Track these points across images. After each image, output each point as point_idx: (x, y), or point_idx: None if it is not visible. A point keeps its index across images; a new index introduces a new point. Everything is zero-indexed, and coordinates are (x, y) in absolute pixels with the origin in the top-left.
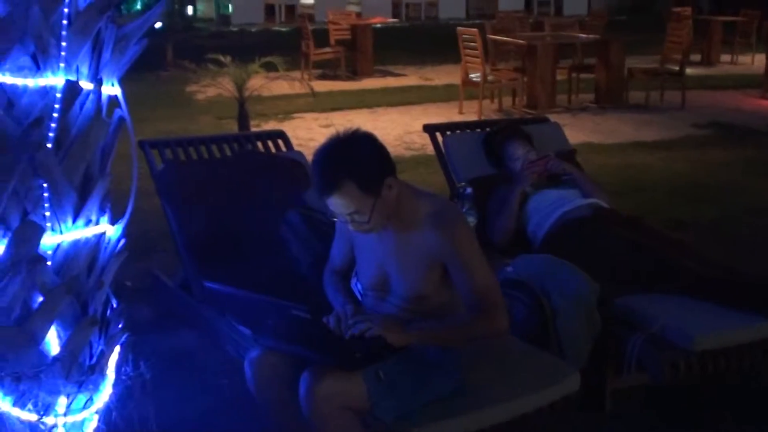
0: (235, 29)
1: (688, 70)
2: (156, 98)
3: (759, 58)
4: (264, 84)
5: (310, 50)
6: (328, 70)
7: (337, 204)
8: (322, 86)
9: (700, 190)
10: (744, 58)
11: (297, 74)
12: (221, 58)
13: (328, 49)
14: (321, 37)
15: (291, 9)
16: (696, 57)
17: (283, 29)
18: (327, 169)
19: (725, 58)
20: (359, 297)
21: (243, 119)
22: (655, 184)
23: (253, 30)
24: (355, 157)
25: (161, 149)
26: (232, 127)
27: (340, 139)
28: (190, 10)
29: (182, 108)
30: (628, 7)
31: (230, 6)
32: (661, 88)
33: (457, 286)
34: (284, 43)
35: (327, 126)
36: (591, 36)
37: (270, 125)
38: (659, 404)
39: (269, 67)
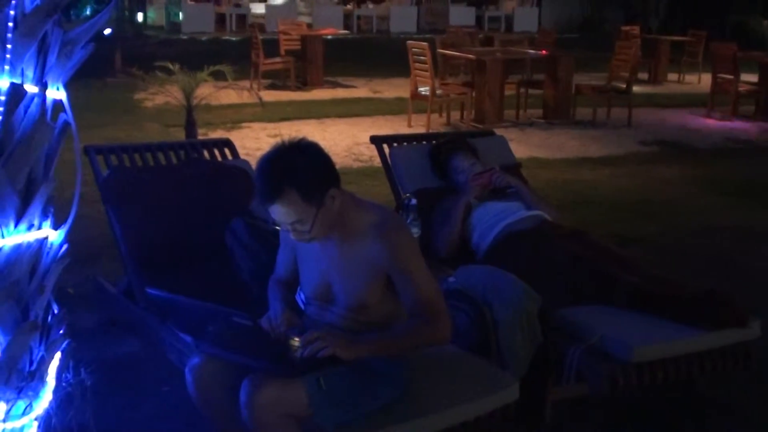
0: (185, 37)
1: (636, 88)
2: (102, 105)
3: (705, 78)
4: (212, 93)
5: (259, 60)
6: (277, 80)
7: (279, 212)
8: (271, 96)
9: (644, 206)
10: (691, 77)
11: (246, 83)
12: (170, 65)
13: (278, 59)
14: (271, 47)
15: (242, 18)
16: (644, 75)
17: (234, 38)
18: (270, 176)
19: (672, 76)
20: (302, 307)
21: (190, 127)
22: (600, 199)
23: (204, 38)
24: (299, 166)
25: (106, 155)
26: (179, 135)
27: (284, 147)
28: (140, 17)
29: (129, 115)
30: (578, 25)
31: (180, 14)
32: (608, 105)
33: (401, 296)
34: (234, 53)
35: (275, 136)
36: (540, 52)
37: (218, 134)
38: (598, 416)
39: (218, 76)
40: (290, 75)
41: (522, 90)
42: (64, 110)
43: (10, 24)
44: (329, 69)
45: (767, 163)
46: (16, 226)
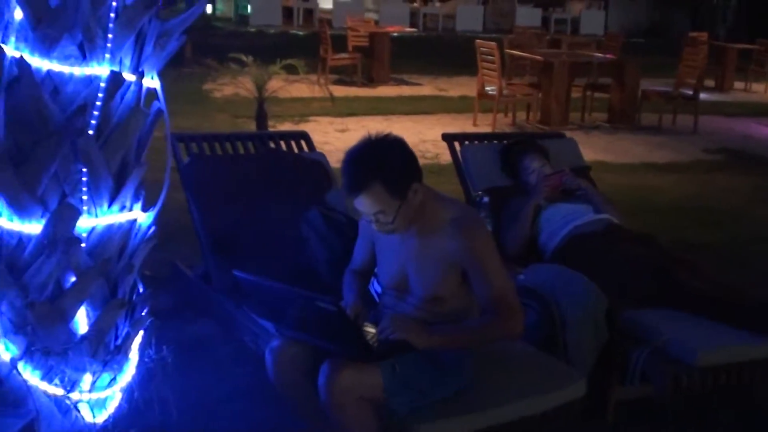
0: (252, 30)
1: (703, 96)
2: (173, 94)
3: None
4: (283, 86)
5: (328, 55)
6: (344, 75)
7: (364, 203)
8: (338, 91)
9: (708, 213)
10: (757, 86)
11: (314, 78)
12: (243, 57)
13: (345, 55)
14: (339, 43)
15: (309, 13)
16: (710, 83)
17: (301, 33)
18: (357, 169)
19: (739, 85)
20: (376, 298)
21: (261, 119)
22: (663, 205)
23: (271, 31)
24: (386, 160)
25: (188, 143)
26: (248, 126)
27: (372, 141)
28: (209, 8)
29: (199, 105)
30: (645, 29)
31: (249, 6)
32: (673, 112)
33: (476, 290)
34: (301, 47)
35: (342, 131)
36: (607, 56)
37: (286, 126)
38: (660, 418)
39: (289, 69)
40: (357, 71)
41: (588, 93)
42: (158, 98)
43: (112, 15)
44: (395, 66)
45: None
46: (109, 206)
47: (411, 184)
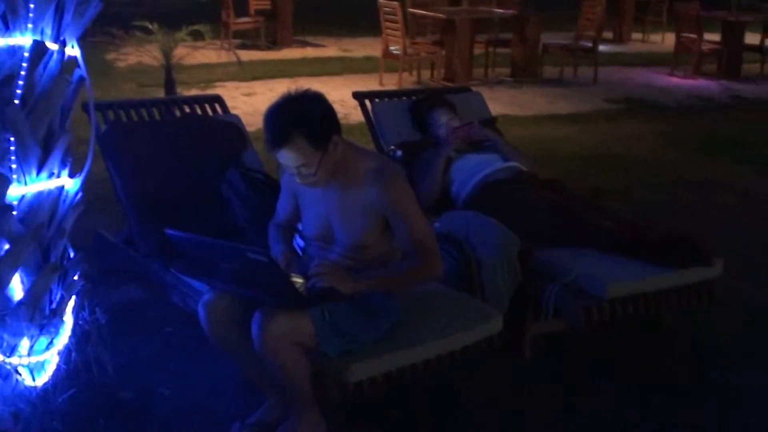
0: None
1: (601, 47)
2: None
3: (669, 37)
4: (189, 53)
5: (230, 19)
6: (247, 39)
7: (286, 157)
8: (242, 56)
9: (613, 160)
10: (655, 37)
11: (218, 43)
12: (149, 25)
13: (247, 19)
14: (240, 7)
15: None
16: (609, 35)
17: None
18: (278, 123)
19: (637, 36)
20: (299, 252)
21: (170, 86)
22: (569, 154)
23: None
24: (306, 113)
25: (104, 111)
26: (155, 94)
27: (291, 97)
28: None
29: (103, 76)
30: None
31: None
32: (574, 64)
33: (397, 236)
34: (203, 13)
35: (249, 95)
36: (508, 11)
37: (193, 93)
38: (574, 351)
39: (195, 36)
40: (260, 34)
41: (490, 49)
42: (79, 66)
43: None
44: (299, 28)
45: (728, 120)
46: (38, 174)
47: (331, 136)
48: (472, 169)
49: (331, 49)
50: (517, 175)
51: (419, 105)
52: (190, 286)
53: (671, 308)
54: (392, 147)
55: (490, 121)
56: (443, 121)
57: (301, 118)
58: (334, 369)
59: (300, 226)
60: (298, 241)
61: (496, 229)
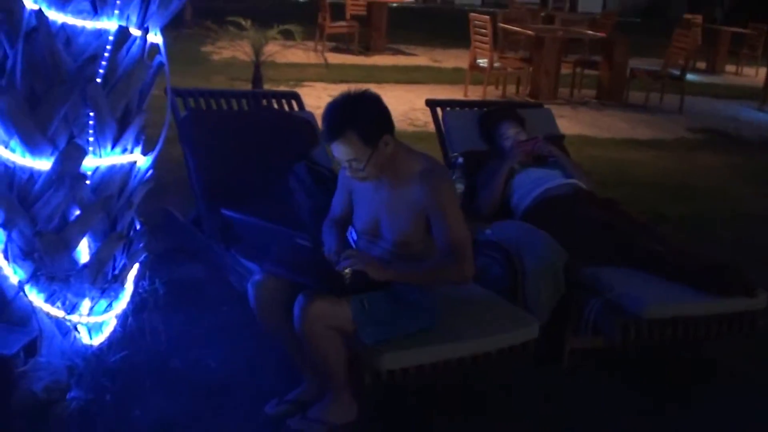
0: None
1: (693, 77)
2: (172, 55)
3: (763, 71)
4: (279, 51)
5: (325, 22)
6: (341, 43)
7: (339, 150)
8: (334, 58)
9: (684, 189)
10: (749, 70)
11: (311, 45)
12: (242, 21)
13: (343, 23)
14: (337, 11)
15: None
16: (702, 65)
17: None
18: (334, 118)
19: (730, 68)
20: (353, 244)
21: (257, 82)
22: (641, 179)
23: None
24: (360, 111)
25: (185, 98)
26: (243, 88)
27: (350, 95)
28: None
29: (197, 66)
30: (643, 9)
31: None
32: (661, 91)
33: (435, 235)
34: (300, 13)
35: (334, 96)
36: (597, 33)
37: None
38: (612, 369)
39: (286, 35)
40: (354, 39)
41: (578, 69)
42: (160, 53)
43: None
44: (392, 36)
45: None
46: (112, 148)
47: (382, 135)
48: (533, 183)
49: (421, 58)
50: (576, 192)
51: (488, 116)
52: (247, 268)
53: (711, 336)
54: (455, 154)
55: (558, 138)
56: (510, 134)
57: (356, 115)
58: (368, 356)
59: (353, 221)
60: (353, 235)
61: (544, 241)
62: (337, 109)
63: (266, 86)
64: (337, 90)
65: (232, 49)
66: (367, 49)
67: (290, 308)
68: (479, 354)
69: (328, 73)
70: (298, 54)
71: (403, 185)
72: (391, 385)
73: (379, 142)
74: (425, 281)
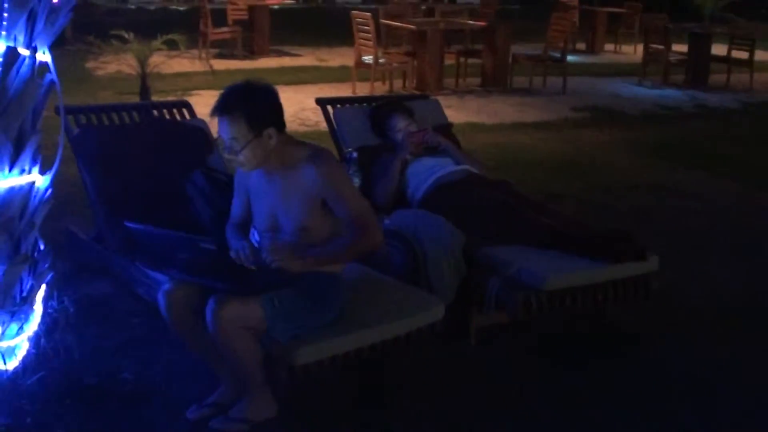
0: (132, 7)
1: (573, 58)
2: (58, 73)
3: (641, 48)
4: (164, 61)
5: (208, 29)
6: (225, 49)
7: (223, 126)
8: (219, 65)
9: (573, 166)
10: (627, 48)
11: (195, 53)
12: (125, 34)
13: (225, 29)
14: (219, 17)
15: None
16: (582, 46)
17: (181, 8)
18: (229, 96)
19: (609, 47)
20: (255, 245)
21: (145, 94)
22: (531, 160)
23: (152, 8)
24: (254, 97)
25: (76, 115)
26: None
27: (249, 81)
28: None
29: (82, 83)
30: None
31: None
32: (543, 74)
33: (337, 213)
34: (182, 22)
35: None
36: (478, 23)
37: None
38: (519, 342)
39: (170, 45)
40: (238, 44)
41: (461, 59)
42: (50, 71)
43: None
44: (276, 38)
45: (690, 128)
46: (10, 170)
47: (269, 126)
48: (426, 172)
49: (307, 58)
50: (468, 176)
51: (378, 110)
52: (154, 279)
53: (607, 300)
54: (349, 149)
55: (446, 127)
56: (401, 126)
57: (250, 99)
58: (282, 352)
59: (254, 222)
60: (255, 237)
61: (442, 226)
62: (234, 89)
63: (154, 98)
64: None
65: (116, 63)
66: (251, 53)
67: (201, 313)
68: (389, 339)
69: (215, 80)
70: (183, 63)
71: (292, 173)
72: (306, 379)
73: (263, 133)
74: (342, 259)
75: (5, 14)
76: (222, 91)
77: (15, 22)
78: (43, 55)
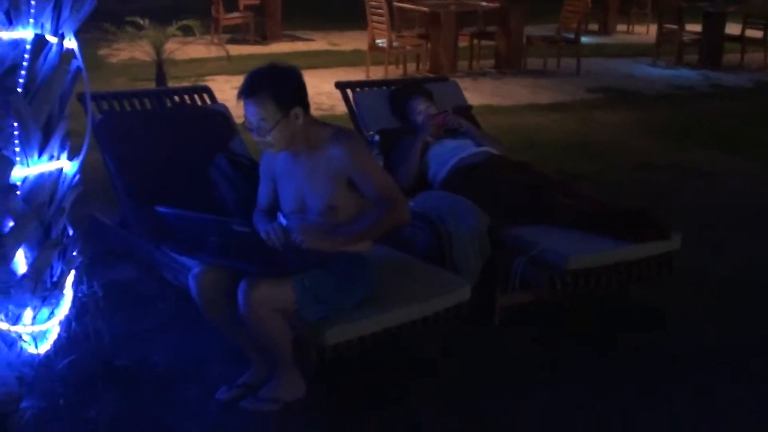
0: None
1: (586, 39)
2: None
3: (654, 28)
4: (179, 47)
5: (219, 15)
6: (237, 34)
7: (251, 108)
8: (232, 50)
9: (588, 147)
10: (640, 28)
11: (208, 38)
12: (140, 20)
13: (237, 14)
14: (230, 2)
15: None
16: (594, 27)
17: None
18: (255, 78)
19: (622, 27)
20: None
21: (161, 80)
22: (547, 141)
23: None
24: (280, 79)
25: (98, 101)
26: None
27: (275, 64)
28: None
29: (96, 71)
30: None
31: None
32: (557, 55)
33: (363, 190)
34: (193, 8)
35: (238, 87)
36: (492, 4)
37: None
38: (542, 321)
39: (185, 31)
40: (250, 29)
41: (475, 41)
42: (76, 57)
43: None
44: (288, 23)
45: (704, 108)
46: (39, 157)
47: (295, 106)
48: (447, 154)
49: (319, 42)
50: (489, 158)
51: (398, 93)
52: (180, 263)
53: (632, 280)
54: (371, 132)
55: (466, 109)
56: (421, 109)
57: (275, 79)
58: (312, 333)
59: (281, 206)
60: (282, 221)
61: (467, 207)
62: (260, 71)
63: (170, 83)
64: (239, 81)
65: (129, 50)
66: (263, 38)
67: (232, 296)
68: (417, 319)
69: (229, 66)
70: (197, 49)
71: (318, 153)
72: (336, 359)
73: (290, 112)
74: (371, 235)
75: (33, 2)
76: (247, 74)
77: (42, 9)
78: (70, 42)
